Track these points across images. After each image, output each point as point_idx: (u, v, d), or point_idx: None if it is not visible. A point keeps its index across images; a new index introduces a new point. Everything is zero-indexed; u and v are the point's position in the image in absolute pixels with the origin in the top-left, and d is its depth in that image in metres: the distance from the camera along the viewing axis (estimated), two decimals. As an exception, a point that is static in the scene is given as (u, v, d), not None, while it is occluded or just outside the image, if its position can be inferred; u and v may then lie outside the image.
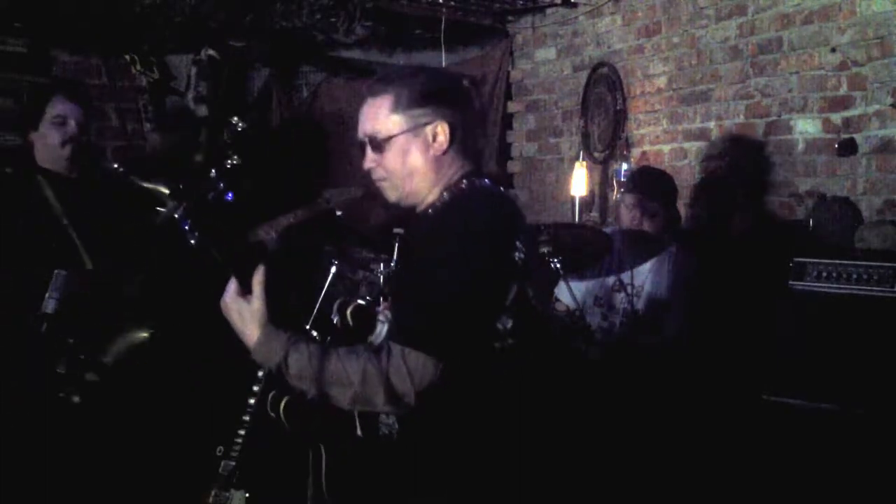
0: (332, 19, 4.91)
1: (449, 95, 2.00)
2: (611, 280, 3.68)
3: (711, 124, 4.52)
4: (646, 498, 3.25)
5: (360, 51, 5.73)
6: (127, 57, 5.02)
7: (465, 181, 1.97)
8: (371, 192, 2.07)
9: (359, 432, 2.06)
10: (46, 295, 2.40)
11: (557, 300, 3.54)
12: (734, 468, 3.22)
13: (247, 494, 2.80)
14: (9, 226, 2.93)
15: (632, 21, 5.00)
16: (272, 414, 2.68)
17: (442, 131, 1.97)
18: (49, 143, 3.06)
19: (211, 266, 1.94)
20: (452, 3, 5.27)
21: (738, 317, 3.57)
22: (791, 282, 3.34)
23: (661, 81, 4.80)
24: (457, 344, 1.81)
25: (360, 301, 2.42)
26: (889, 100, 3.67)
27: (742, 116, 4.35)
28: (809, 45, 4.00)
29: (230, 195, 3.00)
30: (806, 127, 4.05)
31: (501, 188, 2.08)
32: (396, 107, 1.96)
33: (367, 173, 2.03)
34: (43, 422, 2.74)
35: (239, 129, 3.83)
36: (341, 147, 5.49)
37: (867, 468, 2.94)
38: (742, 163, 4.33)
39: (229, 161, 3.69)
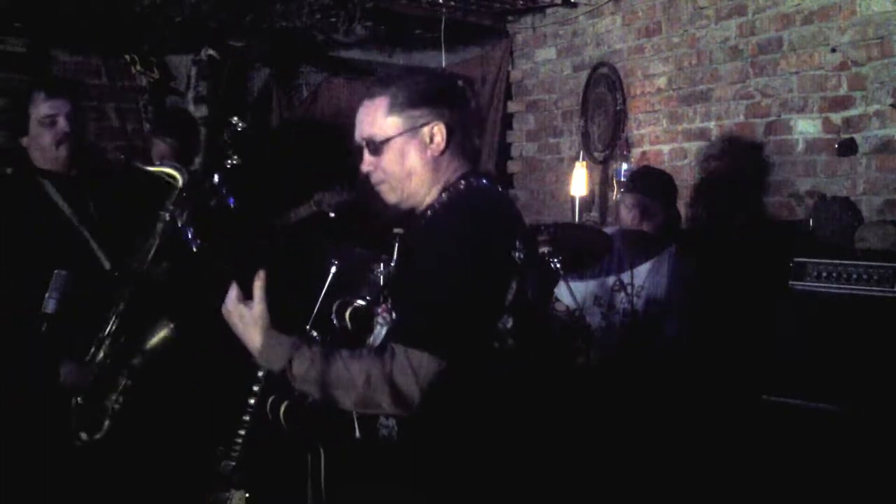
0: (332, 19, 4.91)
1: (445, 96, 2.00)
2: (611, 280, 3.68)
3: (711, 124, 4.52)
4: (646, 498, 3.25)
5: (360, 51, 5.72)
6: (127, 57, 5.01)
7: (463, 181, 1.97)
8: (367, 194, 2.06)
9: (357, 434, 2.06)
10: (46, 295, 2.39)
11: (557, 300, 3.54)
12: (734, 468, 3.22)
13: (247, 494, 2.80)
14: (13, 227, 2.89)
15: (632, 21, 5.00)
16: (272, 417, 2.68)
17: (439, 132, 1.96)
18: (42, 145, 2.95)
19: (212, 271, 1.94)
20: (452, 3, 5.27)
21: (738, 317, 3.57)
22: (791, 282, 3.35)
23: (661, 81, 4.80)
24: (459, 343, 1.81)
25: (360, 302, 2.42)
26: (889, 100, 3.68)
27: (742, 116, 4.35)
28: (809, 45, 4.00)
29: (232, 201, 2.99)
30: (806, 127, 4.05)
31: (499, 188, 2.08)
32: (392, 109, 1.96)
33: (366, 176, 2.03)
34: (43, 422, 2.73)
35: (239, 129, 3.83)
36: (341, 147, 5.48)
37: (867, 468, 2.95)
38: (742, 163, 4.33)
39: (229, 161, 3.69)
